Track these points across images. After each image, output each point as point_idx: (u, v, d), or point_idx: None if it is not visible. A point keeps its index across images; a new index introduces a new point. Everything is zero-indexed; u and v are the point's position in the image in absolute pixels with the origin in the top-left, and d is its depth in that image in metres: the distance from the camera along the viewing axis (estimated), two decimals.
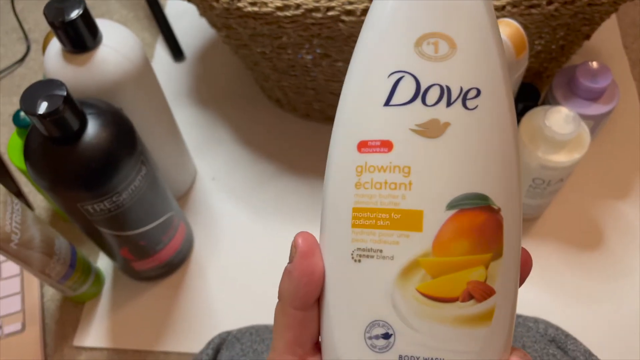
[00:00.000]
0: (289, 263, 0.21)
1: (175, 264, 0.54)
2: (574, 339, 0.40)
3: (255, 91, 0.67)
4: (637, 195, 0.57)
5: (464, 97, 0.20)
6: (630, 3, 0.71)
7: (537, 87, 0.55)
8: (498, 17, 0.44)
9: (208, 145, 0.63)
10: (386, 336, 0.20)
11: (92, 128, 0.40)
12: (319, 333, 0.22)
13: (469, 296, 0.19)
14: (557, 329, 0.41)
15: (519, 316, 0.42)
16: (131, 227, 0.46)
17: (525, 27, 0.46)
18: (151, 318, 0.53)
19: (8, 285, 0.54)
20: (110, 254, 0.50)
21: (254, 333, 0.41)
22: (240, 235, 0.57)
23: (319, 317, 0.21)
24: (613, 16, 0.70)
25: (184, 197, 0.60)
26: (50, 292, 0.55)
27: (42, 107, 0.36)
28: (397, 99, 0.20)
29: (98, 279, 0.54)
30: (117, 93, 0.44)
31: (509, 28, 0.41)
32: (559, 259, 0.54)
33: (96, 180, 0.40)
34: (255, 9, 0.45)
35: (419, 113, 0.20)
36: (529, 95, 0.53)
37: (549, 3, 0.44)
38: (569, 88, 0.51)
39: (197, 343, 0.51)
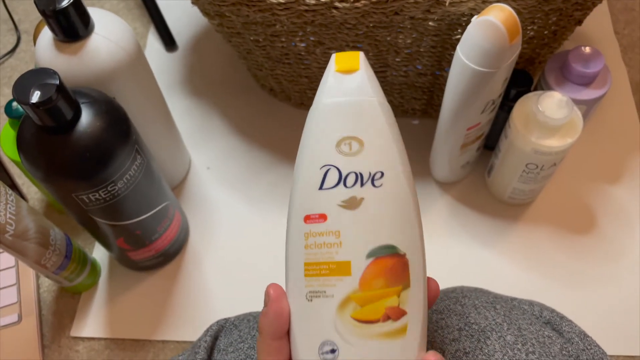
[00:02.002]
0: (264, 307, 0.29)
1: (171, 254, 0.54)
2: (569, 321, 0.40)
3: (248, 80, 0.66)
4: (629, 179, 0.57)
5: (372, 179, 0.28)
6: None
7: (530, 73, 0.55)
8: (491, 3, 0.44)
9: (202, 135, 0.63)
10: (332, 351, 0.27)
11: (86, 117, 0.39)
12: (290, 355, 0.29)
13: (387, 317, 0.27)
14: (552, 311, 0.41)
15: (514, 299, 0.43)
16: (127, 216, 0.46)
17: (518, 12, 0.46)
18: (148, 307, 0.53)
19: (3, 277, 0.54)
20: (106, 244, 0.50)
21: (252, 320, 0.41)
22: (235, 224, 0.57)
23: (289, 343, 0.29)
24: (604, 1, 0.70)
25: (178, 186, 0.60)
26: (46, 283, 0.55)
27: (35, 96, 0.36)
28: (327, 184, 0.28)
29: (94, 269, 0.54)
30: (110, 82, 0.44)
31: (502, 13, 0.41)
32: (552, 242, 0.54)
33: (91, 169, 0.40)
34: None
35: (342, 193, 0.28)
36: (521, 81, 0.53)
37: None
38: (562, 73, 0.52)
39: (194, 331, 0.52)
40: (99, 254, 0.56)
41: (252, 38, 0.53)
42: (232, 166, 0.61)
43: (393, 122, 0.29)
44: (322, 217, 0.28)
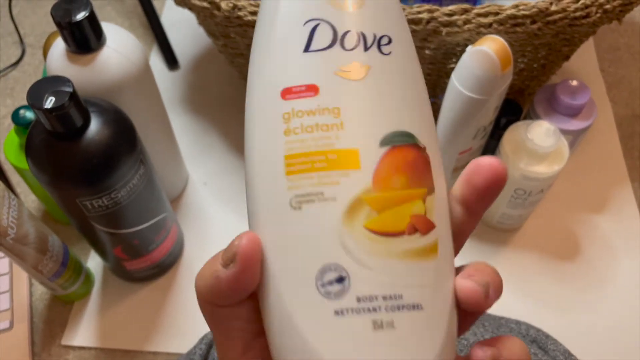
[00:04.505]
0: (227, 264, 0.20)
1: (166, 266, 0.55)
2: (554, 340, 0.42)
3: None
4: (612, 208, 0.59)
5: (379, 43, 0.21)
6: (606, 28, 0.74)
7: (519, 103, 0.57)
8: (485, 34, 0.46)
9: (200, 151, 0.64)
10: (340, 280, 0.19)
11: (95, 125, 0.41)
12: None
13: (414, 229, 0.20)
14: (539, 330, 0.43)
15: (502, 318, 0.44)
16: (126, 225, 0.46)
17: (510, 44, 0.49)
18: (140, 319, 0.54)
19: None
20: (102, 252, 0.51)
21: None
22: (230, 239, 0.58)
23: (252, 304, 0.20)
24: (591, 40, 0.73)
25: (176, 200, 0.61)
26: (39, 291, 0.55)
27: (49, 102, 0.37)
28: (316, 44, 0.20)
29: (88, 279, 0.54)
30: (118, 94, 0.45)
31: (495, 43, 0.44)
32: (538, 268, 0.56)
33: (96, 176, 0.41)
34: (255, 18, 0.47)
35: (340, 57, 0.20)
36: (511, 111, 0.55)
37: (533, 22, 0.47)
38: (550, 104, 0.54)
39: (185, 344, 0.52)
40: (93, 264, 0.57)
41: None
42: (228, 182, 0.62)
43: None
44: (312, 88, 0.20)
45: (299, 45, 0.20)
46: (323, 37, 0.20)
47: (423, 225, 0.20)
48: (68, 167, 0.40)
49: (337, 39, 0.20)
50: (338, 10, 0.21)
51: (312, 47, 0.20)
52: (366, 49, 0.21)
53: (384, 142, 0.20)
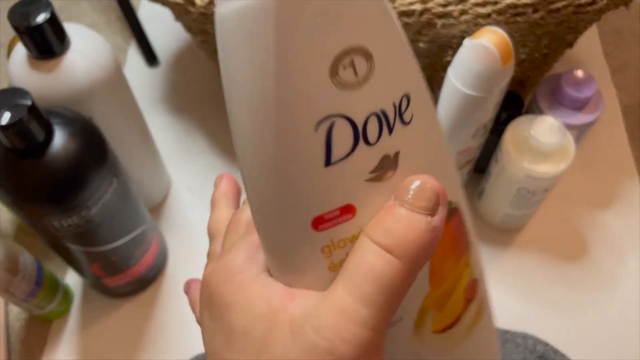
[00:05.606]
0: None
1: (149, 279, 0.52)
2: (563, 354, 0.39)
3: None
4: (620, 205, 0.56)
5: (400, 113, 0.17)
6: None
7: (521, 96, 0.54)
8: (483, 25, 0.43)
9: (183, 154, 0.61)
10: None
11: (59, 139, 0.37)
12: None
13: (468, 302, 0.18)
14: (546, 344, 0.40)
15: (507, 332, 0.41)
16: (101, 242, 0.43)
17: (510, 35, 0.45)
18: (123, 336, 0.51)
19: None
20: (79, 270, 0.47)
21: None
22: None
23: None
24: (594, 24, 0.70)
25: (157, 208, 0.57)
26: (15, 310, 0.52)
27: (5, 118, 0.34)
28: (337, 152, 0.16)
29: (66, 296, 0.51)
30: (86, 101, 0.42)
31: (495, 36, 0.40)
32: (542, 269, 0.53)
33: (63, 194, 0.37)
34: None
35: (367, 158, 0.16)
36: (512, 104, 0.52)
37: (535, 11, 0.43)
38: (554, 97, 0.51)
39: None
40: (72, 279, 0.53)
41: None
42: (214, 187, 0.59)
43: (397, 18, 0.18)
44: (347, 210, 0.16)
45: (317, 160, 0.16)
46: (342, 139, 0.16)
47: (472, 291, 0.19)
48: (31, 186, 0.37)
49: (359, 135, 0.16)
50: (349, 92, 0.15)
51: (334, 157, 0.16)
52: (391, 130, 0.16)
53: None
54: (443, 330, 0.18)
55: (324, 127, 0.15)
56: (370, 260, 0.16)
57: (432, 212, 0.17)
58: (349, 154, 0.16)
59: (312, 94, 0.15)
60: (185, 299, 0.53)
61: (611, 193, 0.57)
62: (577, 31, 0.50)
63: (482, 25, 0.43)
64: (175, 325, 0.51)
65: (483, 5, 0.42)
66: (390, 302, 0.16)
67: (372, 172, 0.16)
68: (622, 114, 0.62)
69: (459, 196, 0.19)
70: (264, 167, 0.16)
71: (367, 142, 0.16)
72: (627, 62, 0.66)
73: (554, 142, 0.45)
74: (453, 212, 0.18)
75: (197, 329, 0.51)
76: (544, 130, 0.45)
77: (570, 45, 0.53)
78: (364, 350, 0.16)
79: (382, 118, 0.16)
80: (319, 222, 0.16)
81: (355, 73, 0.15)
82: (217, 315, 0.19)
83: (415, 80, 0.18)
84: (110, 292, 0.51)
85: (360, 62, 0.15)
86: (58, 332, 0.51)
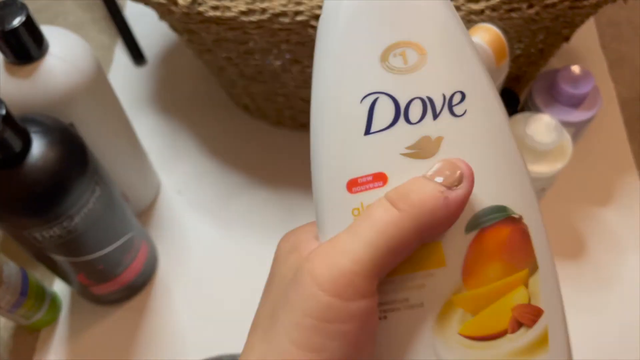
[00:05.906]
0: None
1: (138, 286, 0.51)
2: None
3: (222, 97, 0.63)
4: (619, 202, 0.55)
5: (450, 104, 0.18)
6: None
7: (516, 92, 0.53)
8: (476, 22, 0.41)
9: (172, 156, 0.59)
10: None
11: (37, 148, 0.36)
12: None
13: (518, 324, 0.17)
14: None
15: None
16: (87, 252, 0.42)
17: (504, 31, 0.44)
18: (113, 344, 0.50)
19: None
20: (65, 279, 0.46)
21: None
22: (208, 251, 0.54)
23: None
24: (591, 17, 0.68)
25: (146, 212, 0.56)
26: (2, 320, 0.51)
27: None
28: (377, 124, 0.18)
29: (54, 304, 0.50)
30: (66, 107, 0.40)
31: (488, 34, 0.39)
32: None
33: (43, 205, 0.36)
34: (218, 13, 0.42)
35: (406, 134, 0.18)
36: (508, 101, 0.50)
37: (530, 6, 0.42)
38: (550, 94, 0.49)
39: None
40: (59, 287, 0.52)
41: (223, 55, 0.49)
42: (205, 190, 0.57)
43: (461, 21, 0.20)
44: (379, 177, 0.18)
45: (358, 128, 0.18)
46: (384, 113, 0.18)
47: (529, 317, 0.18)
48: (8, 198, 0.35)
49: (400, 113, 0.18)
50: (397, 76, 0.18)
51: (373, 127, 0.18)
52: (435, 116, 0.18)
53: (469, 227, 0.18)
54: (474, 338, 0.17)
55: (368, 101, 0.18)
56: (373, 209, 0.17)
57: (449, 185, 0.17)
58: (388, 127, 0.18)
59: (362, 72, 0.18)
60: (175, 305, 0.52)
61: (610, 190, 0.56)
62: (573, 25, 0.48)
63: (475, 22, 0.41)
64: (166, 331, 0.50)
65: (476, 1, 0.41)
66: (382, 246, 0.16)
67: (409, 147, 0.18)
68: (620, 108, 0.61)
69: (523, 210, 0.19)
70: (320, 126, 0.19)
71: (408, 120, 0.18)
72: (625, 55, 0.65)
73: (550, 142, 0.44)
74: (510, 220, 0.18)
75: (188, 336, 0.50)
76: (540, 129, 0.44)
77: (567, 39, 0.51)
78: (355, 291, 0.16)
79: (427, 103, 0.18)
80: (353, 185, 0.18)
81: (405, 61, 0.18)
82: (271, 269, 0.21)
83: (474, 82, 0.19)
84: (99, 299, 0.50)
85: (412, 54, 0.18)
86: (47, 341, 0.50)
